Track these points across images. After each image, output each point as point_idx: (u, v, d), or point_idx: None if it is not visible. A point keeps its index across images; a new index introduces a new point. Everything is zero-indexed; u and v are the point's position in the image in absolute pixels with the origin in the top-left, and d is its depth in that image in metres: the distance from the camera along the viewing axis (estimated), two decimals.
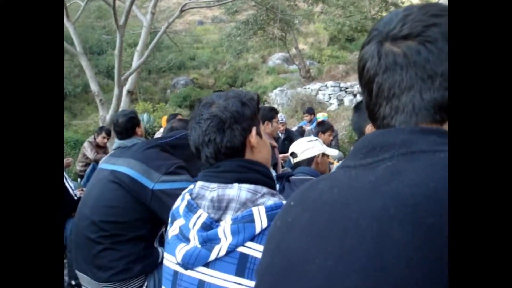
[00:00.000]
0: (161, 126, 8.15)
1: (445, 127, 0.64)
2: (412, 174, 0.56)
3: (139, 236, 1.92)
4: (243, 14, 19.42)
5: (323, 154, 2.70)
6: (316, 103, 13.51)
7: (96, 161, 5.92)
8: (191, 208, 1.19)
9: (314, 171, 2.62)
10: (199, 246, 1.12)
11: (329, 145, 5.95)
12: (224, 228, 1.09)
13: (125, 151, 2.10)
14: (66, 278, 2.75)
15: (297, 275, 0.62)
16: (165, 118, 6.40)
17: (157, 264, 1.98)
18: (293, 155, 2.71)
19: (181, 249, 1.15)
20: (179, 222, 1.22)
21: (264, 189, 1.17)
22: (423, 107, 0.63)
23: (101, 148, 6.51)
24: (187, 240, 1.17)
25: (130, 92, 7.94)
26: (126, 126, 2.59)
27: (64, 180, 2.72)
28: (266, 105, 11.26)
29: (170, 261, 1.23)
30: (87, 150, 6.45)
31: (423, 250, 0.49)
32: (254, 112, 1.26)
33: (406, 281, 0.49)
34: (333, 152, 2.86)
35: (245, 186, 1.15)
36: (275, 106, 12.18)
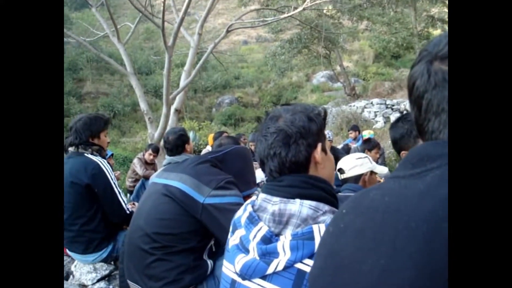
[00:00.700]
0: (207, 144, 8.29)
1: None
2: None
3: (189, 248, 1.97)
4: (287, 33, 19.61)
5: (371, 172, 2.67)
6: (361, 121, 13.36)
7: (145, 177, 6.08)
8: (253, 220, 1.21)
9: (361, 188, 2.59)
10: (257, 258, 1.14)
11: (376, 163, 5.85)
12: (284, 243, 1.10)
13: (177, 166, 2.17)
14: None
15: (350, 275, 0.66)
16: (211, 136, 6.52)
17: (206, 276, 2.03)
18: (341, 171, 2.70)
19: (240, 260, 1.18)
20: (240, 232, 1.25)
21: (326, 207, 1.16)
22: None
23: (149, 165, 6.67)
24: (246, 251, 1.19)
25: (177, 111, 8.16)
26: (176, 143, 2.71)
27: (118, 194, 2.83)
28: None
29: (229, 269, 1.26)
30: (137, 166, 6.63)
31: None
32: (320, 127, 1.26)
33: None
34: (382, 170, 2.82)
35: (307, 202, 1.15)
36: None
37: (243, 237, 1.22)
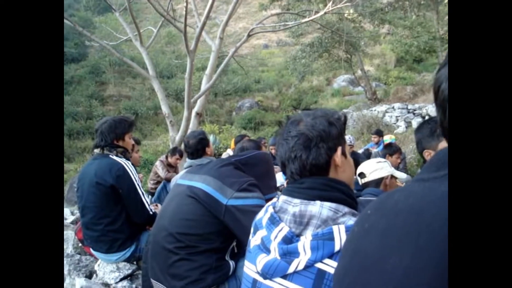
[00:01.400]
0: (227, 147, 8.33)
1: None
2: None
3: (212, 249, 2.01)
4: (308, 37, 19.58)
5: (392, 176, 2.67)
6: (382, 125, 13.24)
7: (167, 180, 6.14)
8: (274, 221, 1.24)
9: (382, 192, 2.59)
10: (279, 258, 1.17)
11: (397, 168, 5.81)
12: (304, 243, 1.13)
13: (201, 168, 2.22)
14: None
15: (374, 273, 0.68)
16: (233, 140, 6.58)
17: (228, 276, 2.06)
18: (362, 175, 2.70)
19: (262, 259, 1.22)
20: (262, 233, 1.28)
21: (346, 209, 1.19)
22: None
23: (171, 167, 6.74)
24: (268, 251, 1.23)
25: (198, 114, 8.21)
26: (197, 146, 2.79)
27: (141, 195, 2.90)
28: None
29: (250, 269, 1.30)
30: (159, 168, 6.70)
31: None
32: (341, 131, 1.29)
33: None
34: (402, 175, 2.82)
35: (327, 204, 1.18)
36: None
37: (265, 237, 1.25)
